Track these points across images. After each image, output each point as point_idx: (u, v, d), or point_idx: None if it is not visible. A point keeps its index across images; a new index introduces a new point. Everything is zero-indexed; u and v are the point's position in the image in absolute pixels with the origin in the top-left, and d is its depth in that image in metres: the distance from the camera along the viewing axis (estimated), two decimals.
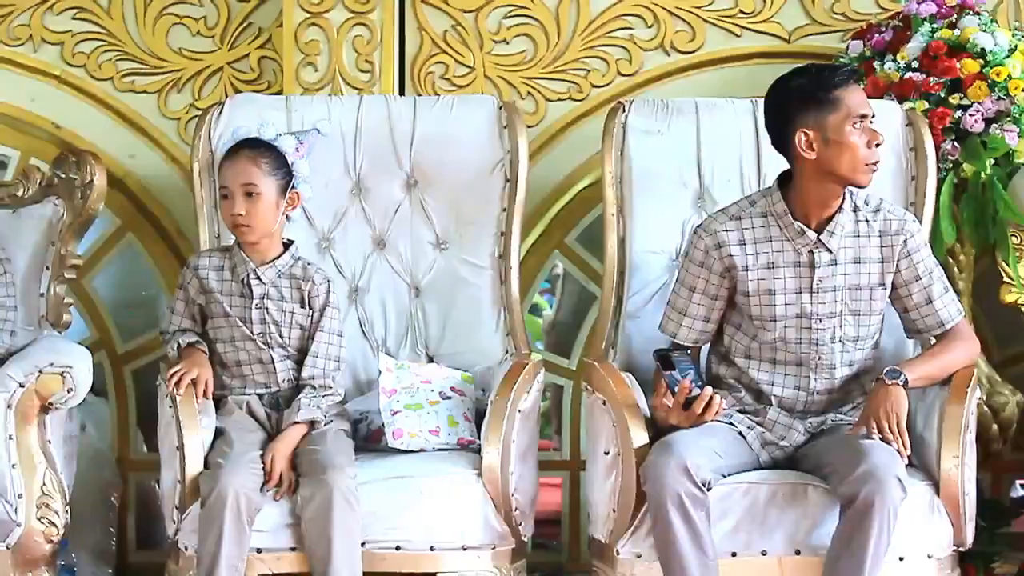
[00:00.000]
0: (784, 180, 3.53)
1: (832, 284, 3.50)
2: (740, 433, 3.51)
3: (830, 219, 3.47)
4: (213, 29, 4.43)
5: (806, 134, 3.40)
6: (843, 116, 3.39)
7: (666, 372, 3.45)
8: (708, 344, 3.67)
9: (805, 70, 3.51)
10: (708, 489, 3.32)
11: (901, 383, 3.43)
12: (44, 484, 3.59)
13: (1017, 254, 4.00)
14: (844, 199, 3.47)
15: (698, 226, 3.61)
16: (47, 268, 3.94)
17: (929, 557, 3.43)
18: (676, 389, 3.42)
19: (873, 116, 3.44)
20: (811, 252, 3.48)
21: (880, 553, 3.25)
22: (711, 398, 3.41)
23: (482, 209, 4.00)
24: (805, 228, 3.47)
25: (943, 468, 3.40)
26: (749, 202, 3.57)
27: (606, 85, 4.42)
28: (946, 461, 3.40)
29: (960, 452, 3.40)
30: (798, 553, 3.40)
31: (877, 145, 3.42)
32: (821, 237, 3.47)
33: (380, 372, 3.75)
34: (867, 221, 3.51)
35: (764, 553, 3.41)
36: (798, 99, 3.44)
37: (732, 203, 3.62)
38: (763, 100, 3.57)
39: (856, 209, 3.50)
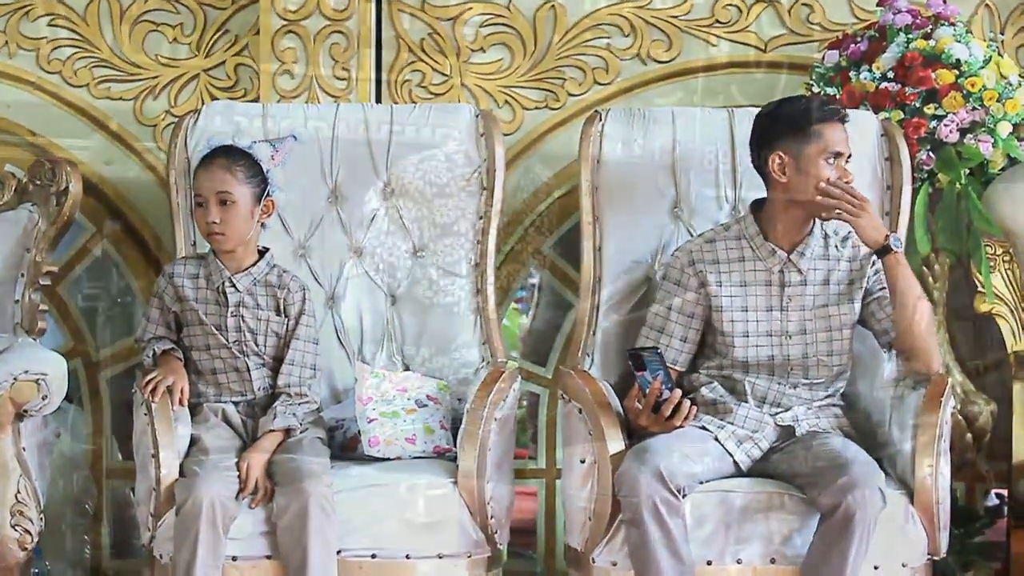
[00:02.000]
0: (758, 206, 3.62)
1: (801, 303, 3.60)
2: (716, 438, 3.53)
3: (800, 242, 3.57)
4: (189, 36, 4.43)
5: (780, 158, 3.53)
6: (819, 149, 3.52)
7: (638, 373, 3.47)
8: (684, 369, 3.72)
9: (797, 99, 3.65)
10: (683, 496, 3.34)
11: (895, 246, 3.53)
12: (18, 492, 3.57)
13: (991, 264, 4.02)
14: (814, 225, 3.57)
15: (676, 249, 3.71)
16: (22, 275, 3.93)
17: (904, 566, 3.44)
18: (647, 390, 3.45)
19: (849, 156, 3.55)
20: (781, 272, 3.58)
21: (859, 562, 3.28)
22: (680, 402, 3.44)
23: (458, 217, 4.00)
24: (776, 248, 3.57)
25: (917, 477, 3.41)
26: (723, 227, 3.73)
27: (583, 94, 4.43)
28: (920, 470, 3.41)
29: (934, 461, 3.41)
30: (773, 562, 3.41)
31: (846, 183, 3.54)
32: (791, 257, 3.57)
33: (356, 380, 3.75)
34: (836, 247, 3.62)
35: (739, 561, 3.41)
36: (782, 124, 3.55)
37: (708, 229, 3.71)
38: (753, 120, 3.67)
39: (826, 236, 3.61)
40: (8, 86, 4.45)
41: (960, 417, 4.14)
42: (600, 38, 4.44)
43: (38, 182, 3.99)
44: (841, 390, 3.69)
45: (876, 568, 3.39)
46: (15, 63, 4.44)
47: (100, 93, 4.44)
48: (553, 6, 4.41)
